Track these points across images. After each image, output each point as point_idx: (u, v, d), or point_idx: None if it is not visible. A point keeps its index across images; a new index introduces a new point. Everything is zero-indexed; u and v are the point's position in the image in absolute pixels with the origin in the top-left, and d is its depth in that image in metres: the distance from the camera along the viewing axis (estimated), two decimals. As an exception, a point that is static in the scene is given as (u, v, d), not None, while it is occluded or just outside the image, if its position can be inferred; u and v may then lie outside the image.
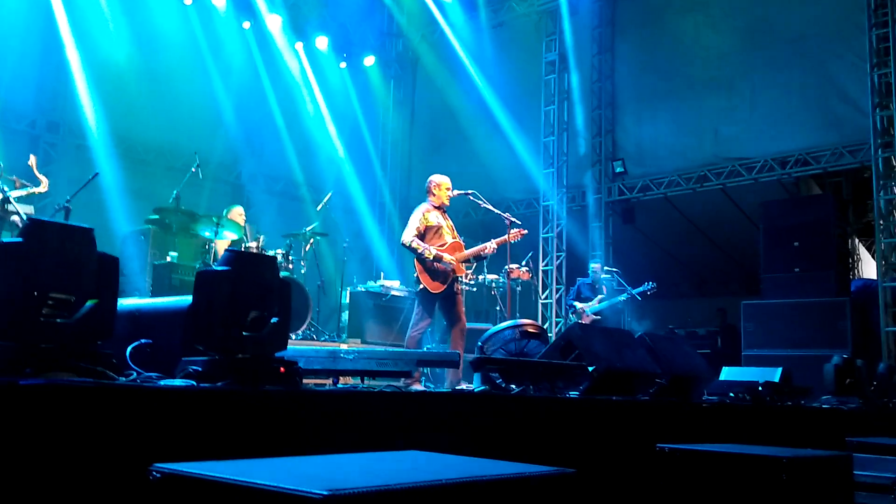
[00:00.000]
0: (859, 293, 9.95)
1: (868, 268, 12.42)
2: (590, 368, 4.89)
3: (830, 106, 10.45)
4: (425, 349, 7.97)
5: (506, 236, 6.90)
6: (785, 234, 9.65)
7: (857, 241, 12.50)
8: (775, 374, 6.73)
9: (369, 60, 14.08)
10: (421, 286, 6.69)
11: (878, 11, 9.59)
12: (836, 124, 10.36)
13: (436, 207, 6.89)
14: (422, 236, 6.72)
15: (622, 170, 12.35)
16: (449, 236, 6.81)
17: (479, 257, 6.95)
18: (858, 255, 12.60)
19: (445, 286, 6.63)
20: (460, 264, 6.73)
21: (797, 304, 9.26)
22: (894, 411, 6.93)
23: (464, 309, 6.90)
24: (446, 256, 6.63)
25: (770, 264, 9.77)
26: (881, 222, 9.40)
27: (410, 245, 6.66)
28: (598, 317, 9.66)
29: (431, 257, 6.59)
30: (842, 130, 10.28)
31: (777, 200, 10.63)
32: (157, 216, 8.71)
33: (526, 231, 7.11)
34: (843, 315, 8.96)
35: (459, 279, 6.84)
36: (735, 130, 11.29)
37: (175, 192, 8.49)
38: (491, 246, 6.84)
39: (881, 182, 9.45)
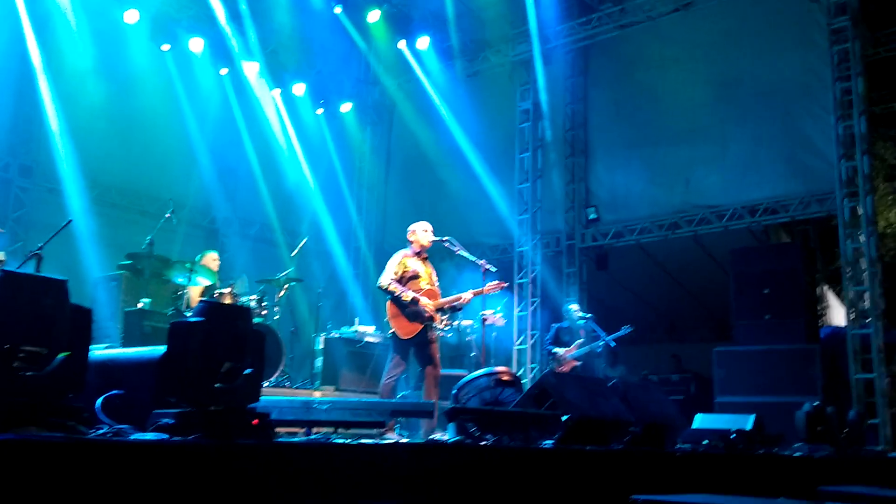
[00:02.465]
0: (829, 340, 10.08)
1: (837, 314, 12.60)
2: (563, 417, 4.90)
3: (798, 156, 10.71)
4: (400, 396, 7.93)
5: (482, 287, 6.92)
6: (755, 281, 9.78)
7: (825, 288, 12.70)
8: (748, 422, 6.76)
9: (346, 107, 14.20)
10: (392, 331, 6.69)
11: (841, 66, 9.87)
12: (803, 174, 10.60)
13: (416, 254, 6.91)
14: (399, 281, 6.73)
15: (595, 216, 12.49)
16: (426, 283, 6.82)
17: (453, 307, 6.96)
18: (827, 302, 12.79)
19: (417, 332, 6.62)
20: (435, 312, 6.73)
21: (768, 351, 9.35)
22: (865, 459, 6.99)
23: (439, 356, 6.88)
24: (423, 300, 6.63)
25: (741, 311, 9.88)
26: (848, 270, 9.56)
27: (388, 288, 6.66)
28: (579, 362, 9.58)
29: (409, 300, 6.59)
30: (809, 180, 10.52)
31: (747, 248, 10.80)
32: (129, 262, 8.65)
33: (506, 284, 7.12)
34: (813, 362, 9.06)
35: (434, 326, 6.83)
36: (706, 179, 11.49)
37: (149, 237, 8.45)
38: (466, 297, 6.84)
39: (847, 231, 9.63)
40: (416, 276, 6.78)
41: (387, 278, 6.71)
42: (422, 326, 6.64)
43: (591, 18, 12.05)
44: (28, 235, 8.25)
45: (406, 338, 6.62)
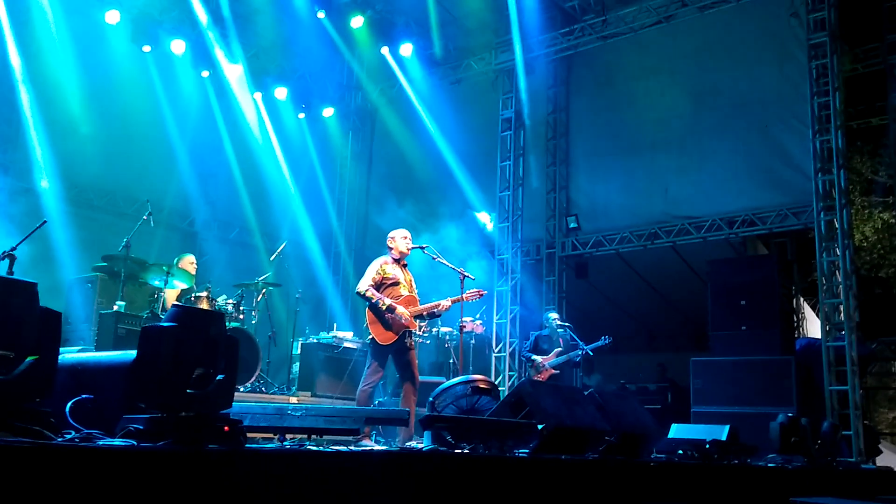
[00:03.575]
0: (804, 352, 10.15)
1: (813, 326, 12.70)
2: (539, 426, 4.90)
3: (775, 169, 10.81)
4: (377, 403, 7.91)
5: (460, 295, 6.92)
6: (732, 292, 9.84)
7: (801, 300, 12.81)
8: (723, 433, 6.80)
9: (328, 112, 14.18)
10: (370, 336, 6.68)
11: (819, 80, 9.97)
12: (780, 186, 10.70)
13: (395, 260, 6.91)
14: (378, 287, 6.72)
15: (576, 225, 12.54)
16: (405, 290, 6.81)
17: (432, 314, 6.96)
18: (803, 314, 12.89)
19: (396, 338, 6.61)
20: (413, 319, 6.71)
21: (744, 362, 9.41)
22: (837, 470, 7.04)
23: (416, 363, 6.87)
24: (399, 308, 6.62)
25: (718, 322, 9.94)
26: (824, 283, 9.65)
27: (365, 293, 6.65)
28: (557, 371, 9.59)
29: (385, 307, 6.58)
30: (786, 193, 10.62)
31: (724, 259, 10.88)
32: (105, 263, 8.57)
33: (485, 292, 7.14)
34: (787, 373, 9.12)
35: (412, 333, 6.83)
36: (685, 190, 11.58)
37: (125, 239, 8.38)
38: (445, 304, 6.85)
39: (823, 244, 9.72)
40: (395, 283, 6.78)
41: (365, 284, 6.70)
42: (400, 333, 6.62)
43: (574, 29, 12.13)
44: (1, 236, 8.12)
45: (385, 344, 6.61)
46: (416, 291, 6.98)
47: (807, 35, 10.16)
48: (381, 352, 6.67)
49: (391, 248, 6.95)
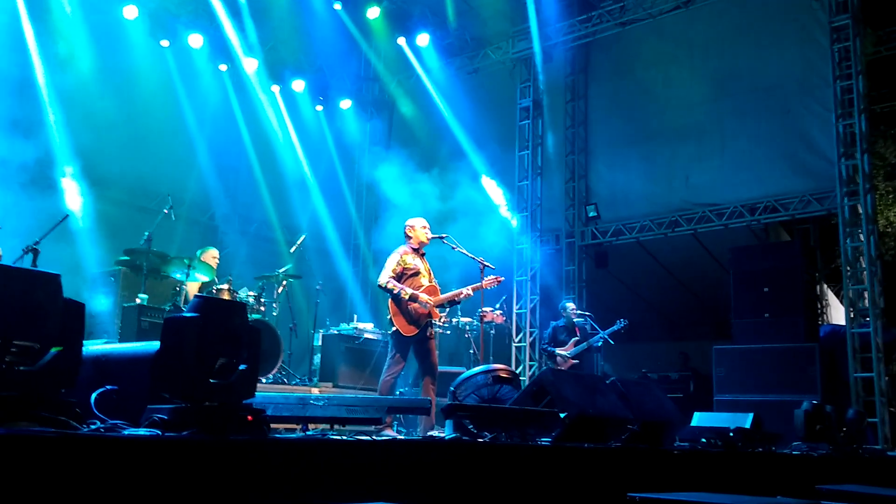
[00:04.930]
0: (828, 339, 10.06)
1: (837, 313, 12.58)
2: (561, 415, 4.88)
3: (798, 154, 10.68)
4: (398, 393, 7.92)
5: (481, 282, 6.89)
6: (754, 279, 9.77)
7: (825, 286, 12.68)
8: (747, 420, 6.76)
9: (346, 104, 14.19)
10: (394, 328, 6.66)
11: (842, 64, 9.85)
12: (803, 172, 10.58)
13: (414, 250, 6.88)
14: (398, 278, 6.69)
15: (595, 214, 12.46)
16: (426, 280, 6.79)
17: (453, 302, 6.95)
18: (827, 300, 12.77)
19: (419, 329, 6.60)
20: (435, 308, 6.70)
21: (767, 350, 9.34)
22: (863, 458, 6.97)
23: (437, 353, 6.87)
24: (423, 297, 6.60)
25: (740, 309, 9.87)
26: (848, 269, 9.55)
27: (386, 286, 6.62)
28: (577, 361, 9.55)
29: (408, 297, 6.56)
30: (809, 178, 10.49)
31: (746, 246, 10.80)
32: (127, 257, 8.63)
33: (503, 278, 7.10)
34: (812, 361, 9.05)
35: (433, 323, 6.81)
36: (705, 177, 11.48)
37: (147, 233, 8.43)
38: (466, 291, 6.82)
39: (847, 229, 9.62)
40: (416, 273, 6.74)
41: (385, 276, 6.67)
42: (423, 324, 6.61)
43: (592, 16, 12.04)
44: (26, 230, 8.20)
45: (408, 335, 6.59)
46: (436, 281, 6.97)
47: (829, 17, 10.05)
48: (403, 343, 6.66)
49: (409, 238, 6.90)
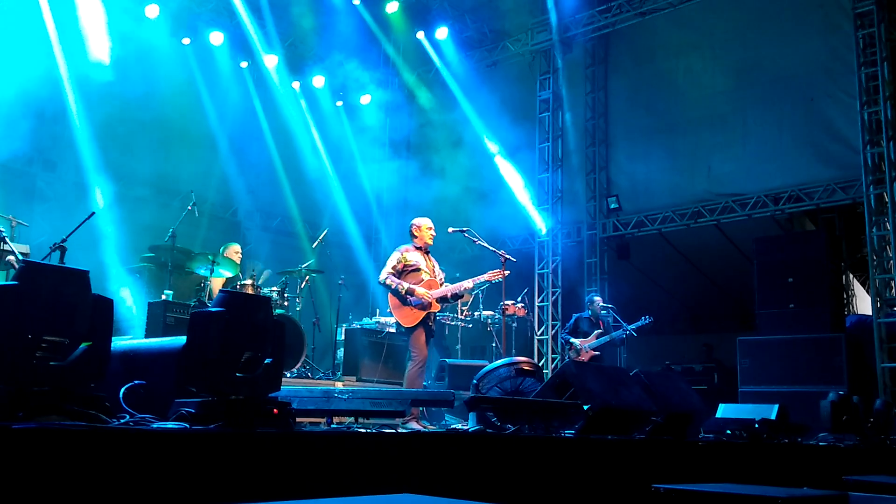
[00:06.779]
0: (854, 329, 9.95)
1: (863, 303, 12.43)
2: (585, 407, 4.89)
3: (822, 143, 10.56)
4: (424, 385, 7.94)
5: (481, 275, 6.92)
6: (779, 270, 9.68)
7: (851, 276, 12.54)
8: (772, 412, 6.72)
9: (365, 98, 14.21)
10: (394, 321, 6.79)
11: (866, 51, 9.73)
12: (827, 161, 10.46)
13: (417, 248, 6.98)
14: (399, 274, 6.80)
15: (616, 206, 12.40)
16: (427, 275, 6.87)
17: (455, 295, 6.97)
18: (853, 290, 12.62)
19: (419, 321, 6.69)
20: (435, 301, 6.76)
21: (792, 340, 9.26)
22: (891, 448, 6.90)
23: (427, 344, 6.87)
24: (419, 290, 6.69)
25: (764, 300, 9.79)
26: (874, 258, 9.44)
27: (385, 283, 6.80)
28: (598, 352, 9.53)
29: (404, 291, 6.67)
30: (834, 167, 10.37)
31: (770, 237, 10.68)
32: (152, 254, 8.72)
33: (508, 272, 7.04)
34: (838, 351, 8.95)
35: (434, 314, 6.89)
36: (728, 167, 11.38)
37: (171, 229, 8.52)
38: (466, 284, 6.88)
39: (873, 218, 9.51)
40: (416, 269, 6.86)
41: (384, 273, 6.85)
42: (423, 315, 6.71)
43: (611, 6, 11.97)
44: (52, 228, 8.30)
45: (409, 326, 6.70)
46: (444, 276, 7.03)
47: (852, 4, 9.93)
48: (412, 334, 6.76)
49: (415, 237, 7.01)
